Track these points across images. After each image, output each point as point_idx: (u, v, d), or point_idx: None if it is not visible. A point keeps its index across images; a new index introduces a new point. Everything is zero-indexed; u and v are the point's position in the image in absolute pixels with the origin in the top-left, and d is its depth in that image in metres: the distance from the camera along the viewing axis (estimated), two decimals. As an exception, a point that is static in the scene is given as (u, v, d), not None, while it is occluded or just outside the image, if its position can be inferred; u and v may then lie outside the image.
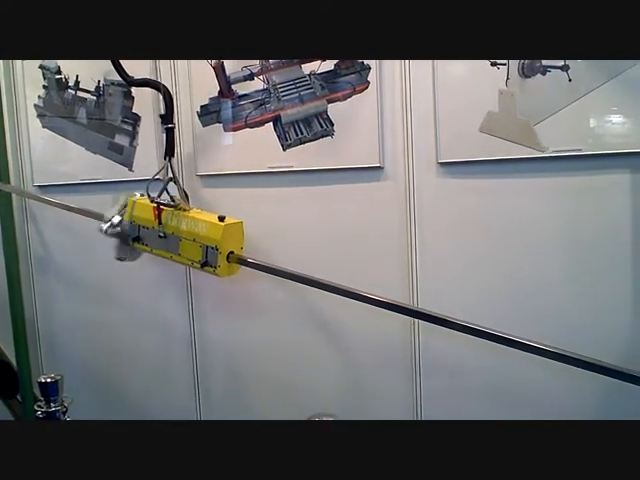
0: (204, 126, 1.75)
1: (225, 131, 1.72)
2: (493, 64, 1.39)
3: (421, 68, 1.48)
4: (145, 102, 1.84)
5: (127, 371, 2.06)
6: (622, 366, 1.15)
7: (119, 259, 1.75)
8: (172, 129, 1.60)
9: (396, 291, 1.54)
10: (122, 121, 1.89)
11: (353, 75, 1.54)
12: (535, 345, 1.20)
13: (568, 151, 1.35)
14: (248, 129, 1.68)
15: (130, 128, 1.88)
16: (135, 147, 1.88)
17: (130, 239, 1.68)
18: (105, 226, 1.69)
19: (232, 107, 1.69)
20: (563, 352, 1.17)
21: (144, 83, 1.69)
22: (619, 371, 1.14)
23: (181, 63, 1.77)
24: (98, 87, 1.91)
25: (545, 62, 1.34)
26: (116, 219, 1.69)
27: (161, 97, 1.65)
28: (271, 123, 1.65)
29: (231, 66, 1.68)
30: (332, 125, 1.58)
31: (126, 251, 1.74)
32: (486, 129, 1.42)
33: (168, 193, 1.59)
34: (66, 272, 2.14)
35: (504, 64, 1.38)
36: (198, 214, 1.57)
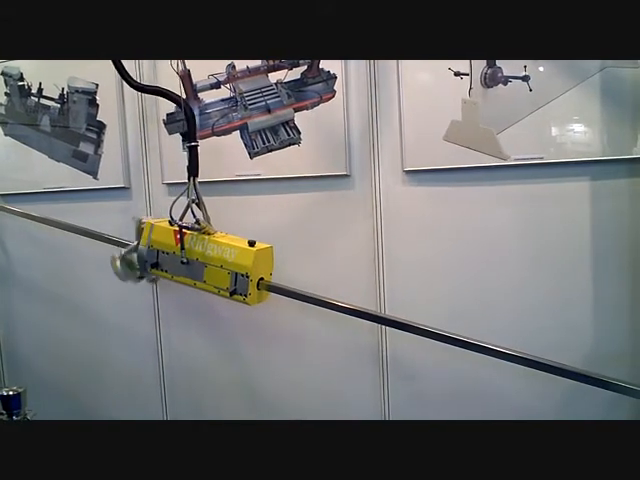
0: (170, 134, 1.73)
1: (192, 139, 1.71)
2: (456, 74, 1.41)
3: (386, 78, 1.49)
4: (110, 110, 1.81)
5: (92, 383, 2.02)
6: (583, 366, 1.20)
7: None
8: (195, 147, 1.46)
9: (363, 297, 1.54)
10: (87, 129, 1.86)
11: (320, 84, 1.55)
12: (499, 350, 1.22)
13: (530, 159, 1.38)
14: (215, 137, 1.68)
15: (95, 136, 1.85)
16: (100, 155, 1.85)
17: (148, 265, 1.54)
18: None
19: (199, 115, 1.68)
20: (526, 356, 1.20)
21: (158, 92, 1.55)
22: (582, 374, 1.17)
23: (147, 70, 1.75)
24: (62, 94, 1.88)
25: (506, 72, 1.37)
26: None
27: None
28: (238, 131, 1.65)
29: (197, 74, 1.68)
30: (299, 133, 1.58)
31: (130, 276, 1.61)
32: (450, 138, 1.44)
33: (194, 215, 1.47)
34: (29, 283, 2.08)
35: (467, 74, 1.40)
36: (225, 238, 1.46)
